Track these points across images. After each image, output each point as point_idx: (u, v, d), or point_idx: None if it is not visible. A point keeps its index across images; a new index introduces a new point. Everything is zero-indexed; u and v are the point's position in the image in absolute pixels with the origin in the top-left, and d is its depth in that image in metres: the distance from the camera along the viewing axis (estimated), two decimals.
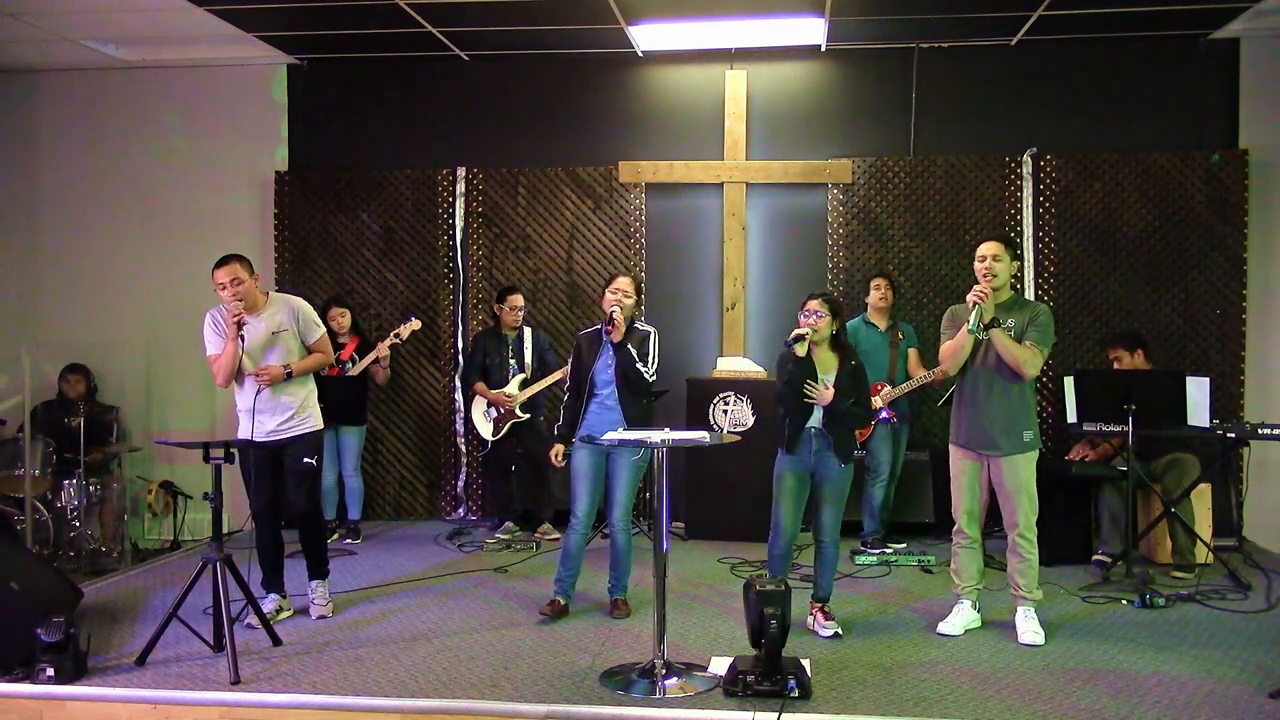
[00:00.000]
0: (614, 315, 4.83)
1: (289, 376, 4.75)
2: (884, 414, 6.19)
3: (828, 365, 4.60)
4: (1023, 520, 4.56)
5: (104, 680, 4.05)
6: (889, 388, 6.22)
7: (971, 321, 4.39)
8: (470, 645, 4.50)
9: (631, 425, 4.77)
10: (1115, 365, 6.13)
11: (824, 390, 4.51)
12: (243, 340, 4.63)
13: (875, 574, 5.80)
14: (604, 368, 4.91)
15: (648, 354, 4.93)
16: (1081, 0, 6.15)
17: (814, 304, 4.61)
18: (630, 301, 4.94)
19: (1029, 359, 4.45)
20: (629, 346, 4.85)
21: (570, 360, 5.11)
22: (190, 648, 4.36)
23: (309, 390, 4.91)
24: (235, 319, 4.58)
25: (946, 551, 5.10)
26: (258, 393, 4.69)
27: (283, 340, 4.78)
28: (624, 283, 4.96)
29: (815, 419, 4.57)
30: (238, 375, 4.73)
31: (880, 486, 6.25)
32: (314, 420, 4.89)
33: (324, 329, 5.02)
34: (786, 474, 4.61)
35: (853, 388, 4.58)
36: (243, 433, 4.76)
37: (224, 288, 4.63)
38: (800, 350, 4.49)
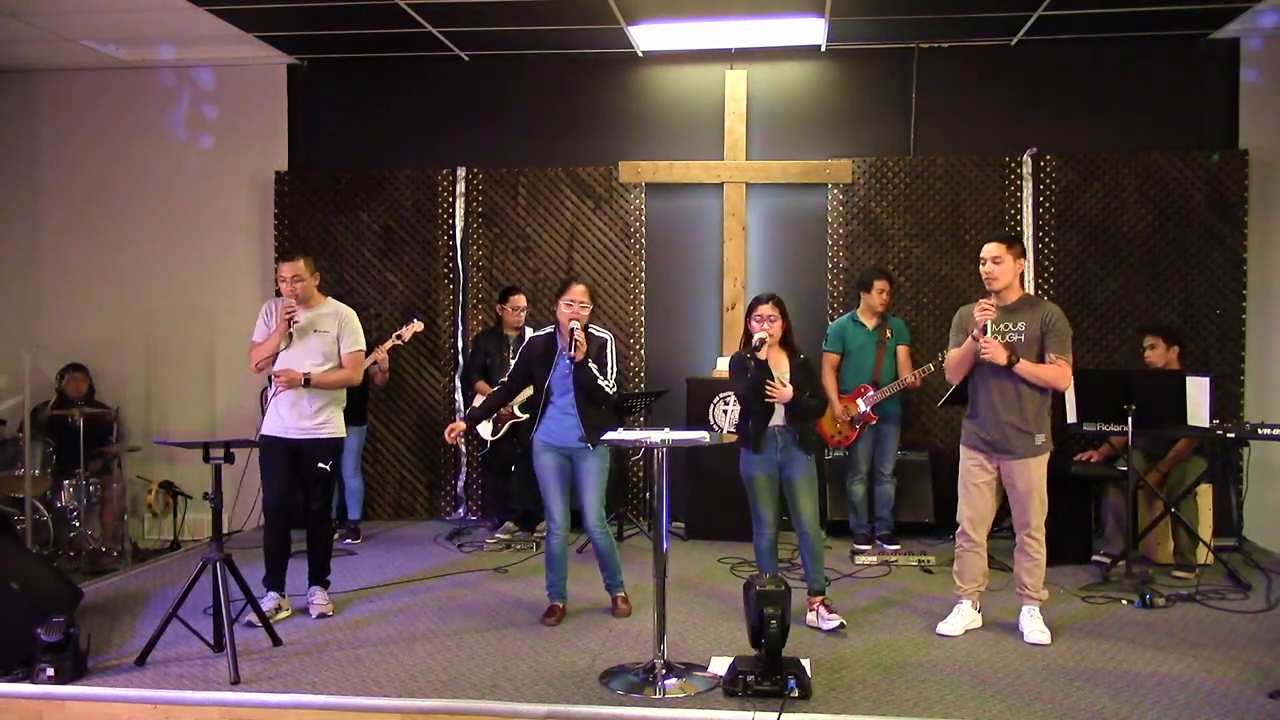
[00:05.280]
0: (575, 334, 4.62)
1: (306, 384, 4.81)
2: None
3: (780, 364, 4.71)
4: (1033, 520, 4.61)
5: (104, 680, 4.05)
6: (872, 390, 6.22)
7: (989, 332, 4.45)
8: (470, 645, 4.50)
9: (592, 432, 4.71)
10: (1148, 352, 6.08)
11: (783, 388, 4.62)
12: (290, 338, 4.78)
13: (875, 574, 5.80)
14: (561, 378, 4.78)
15: (606, 363, 4.78)
16: (1081, 0, 6.16)
17: (766, 309, 4.68)
18: (588, 312, 4.74)
19: (1057, 376, 4.53)
20: (590, 364, 4.68)
21: (516, 359, 4.96)
22: (190, 648, 4.35)
23: (337, 398, 4.99)
24: (287, 316, 4.74)
25: (947, 551, 5.10)
26: (276, 392, 4.81)
27: (319, 341, 4.87)
28: (580, 292, 4.73)
29: (778, 417, 4.69)
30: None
31: (859, 484, 6.33)
32: (335, 427, 4.98)
33: (363, 348, 5.08)
34: (757, 475, 4.74)
35: (806, 381, 4.71)
36: (268, 425, 4.89)
37: (285, 281, 4.79)
38: (762, 354, 4.60)
